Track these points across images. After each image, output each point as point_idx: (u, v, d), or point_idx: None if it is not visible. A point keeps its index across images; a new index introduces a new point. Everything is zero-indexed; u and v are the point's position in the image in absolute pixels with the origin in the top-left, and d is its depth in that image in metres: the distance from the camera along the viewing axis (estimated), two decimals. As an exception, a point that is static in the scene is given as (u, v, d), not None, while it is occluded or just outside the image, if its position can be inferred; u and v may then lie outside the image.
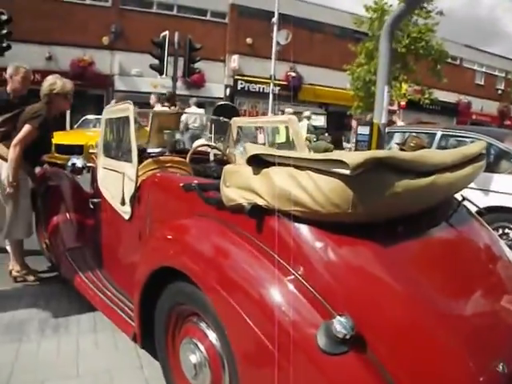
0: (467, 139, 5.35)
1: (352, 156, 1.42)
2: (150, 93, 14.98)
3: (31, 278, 3.77)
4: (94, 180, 3.48)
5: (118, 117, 2.93)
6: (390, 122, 11.29)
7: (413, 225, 1.80)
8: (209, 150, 4.11)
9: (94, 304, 2.88)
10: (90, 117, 13.23)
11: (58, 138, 10.29)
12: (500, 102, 29.85)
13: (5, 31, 10.33)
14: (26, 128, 3.47)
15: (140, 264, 2.12)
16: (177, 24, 14.35)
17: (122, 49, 19.10)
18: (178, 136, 4.02)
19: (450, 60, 20.33)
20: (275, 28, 17.03)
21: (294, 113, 8.63)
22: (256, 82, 21.35)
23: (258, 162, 1.67)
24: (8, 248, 3.81)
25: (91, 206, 3.33)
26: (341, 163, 1.42)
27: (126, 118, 2.75)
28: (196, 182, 2.08)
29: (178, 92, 12.17)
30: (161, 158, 2.89)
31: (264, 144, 4.26)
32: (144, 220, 2.50)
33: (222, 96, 20.76)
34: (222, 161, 4.00)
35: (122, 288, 2.89)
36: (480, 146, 2.19)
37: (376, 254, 1.59)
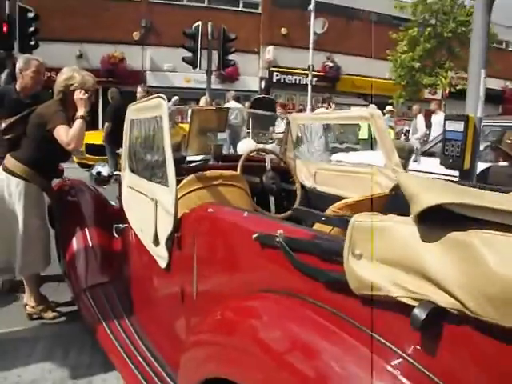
0: None
1: None
2: (183, 88, 14.33)
3: (49, 314, 3.12)
4: (121, 195, 2.72)
5: (147, 117, 2.13)
6: (429, 112, 10.25)
7: None
8: (254, 153, 3.28)
9: (124, 379, 2.10)
10: (122, 114, 12.70)
11: (89, 137, 9.78)
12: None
13: (32, 29, 9.84)
14: (63, 129, 2.71)
15: (186, 364, 1.30)
16: (208, 16, 13.60)
17: (153, 44, 18.51)
18: (223, 136, 3.20)
19: (495, 44, 18.83)
20: (312, 16, 16.06)
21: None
22: (292, 74, 20.31)
23: (435, 216, 0.82)
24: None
25: (115, 234, 2.57)
26: None
27: (158, 119, 1.92)
28: (281, 232, 1.20)
29: (212, 86, 11.45)
30: (207, 173, 2.09)
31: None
32: (188, 274, 1.67)
33: (258, 89, 19.85)
34: (279, 168, 3.17)
35: (157, 351, 2.12)
36: None
37: None
